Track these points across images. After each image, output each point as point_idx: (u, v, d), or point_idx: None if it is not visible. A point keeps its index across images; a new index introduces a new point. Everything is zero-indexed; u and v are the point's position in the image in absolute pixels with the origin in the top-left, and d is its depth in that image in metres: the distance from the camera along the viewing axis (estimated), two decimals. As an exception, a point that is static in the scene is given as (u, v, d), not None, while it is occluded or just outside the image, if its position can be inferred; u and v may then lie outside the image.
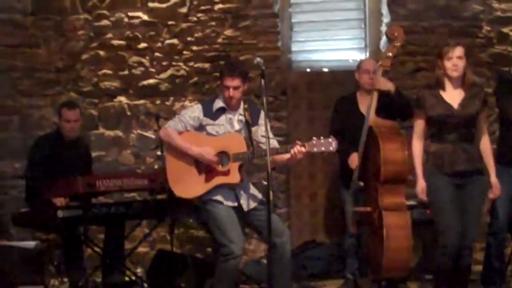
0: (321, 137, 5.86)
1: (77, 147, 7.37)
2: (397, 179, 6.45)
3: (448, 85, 6.05)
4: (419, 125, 6.13)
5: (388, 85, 6.68)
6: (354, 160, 6.80)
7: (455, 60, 5.97)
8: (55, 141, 7.27)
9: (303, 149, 5.79)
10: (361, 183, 6.75)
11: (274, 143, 6.02)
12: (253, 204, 6.10)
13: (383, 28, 8.24)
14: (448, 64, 5.99)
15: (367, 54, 8.40)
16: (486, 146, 6.09)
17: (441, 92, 6.04)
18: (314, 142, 5.84)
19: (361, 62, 7.21)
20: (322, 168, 8.17)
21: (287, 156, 5.90)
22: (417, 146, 6.11)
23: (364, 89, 6.99)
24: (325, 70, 8.39)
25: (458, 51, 5.99)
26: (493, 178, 6.06)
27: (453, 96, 6.02)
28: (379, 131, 6.54)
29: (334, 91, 7.84)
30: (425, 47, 8.17)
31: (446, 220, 5.93)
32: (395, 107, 6.69)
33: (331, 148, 5.83)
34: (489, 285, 6.61)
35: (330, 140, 5.83)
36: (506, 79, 6.35)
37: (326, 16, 8.51)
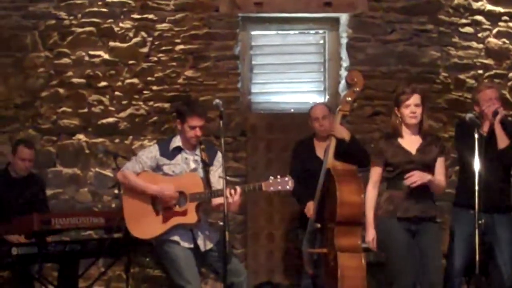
0: (278, 176, 5.86)
1: (28, 185, 7.31)
2: (353, 221, 6.48)
3: (405, 132, 6.09)
4: (376, 173, 6.14)
5: (343, 134, 6.71)
6: (310, 208, 6.84)
7: (412, 107, 6.02)
8: (3, 179, 7.23)
9: (232, 191, 5.76)
10: (318, 225, 6.78)
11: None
12: (209, 245, 6.09)
13: (342, 72, 8.33)
14: (406, 111, 6.04)
15: (326, 97, 8.48)
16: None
17: (399, 140, 6.09)
18: (271, 181, 5.84)
19: (310, 109, 7.20)
20: (280, 209, 8.18)
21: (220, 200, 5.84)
22: (372, 194, 6.12)
23: (319, 135, 7.05)
24: (286, 111, 8.44)
25: (415, 98, 6.03)
26: None
27: (411, 142, 6.06)
28: (336, 173, 6.59)
29: (293, 133, 7.87)
30: (383, 92, 8.29)
31: (398, 265, 5.95)
32: (351, 154, 6.74)
33: (287, 187, 5.83)
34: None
35: (286, 179, 5.83)
36: (465, 126, 6.42)
37: (286, 59, 8.59)
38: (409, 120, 6.04)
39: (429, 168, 6.01)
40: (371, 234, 6.06)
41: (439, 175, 6.07)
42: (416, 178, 5.87)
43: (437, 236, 6.07)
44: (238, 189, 5.81)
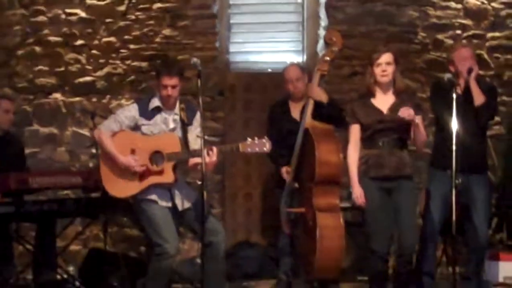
0: (255, 138, 5.86)
1: (8, 143, 7.26)
2: (331, 180, 6.49)
3: (378, 91, 6.14)
4: (353, 134, 6.19)
5: (322, 96, 6.70)
6: (284, 173, 6.85)
7: (383, 66, 6.07)
8: None
9: (210, 152, 5.76)
10: (296, 184, 6.79)
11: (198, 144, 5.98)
12: (187, 204, 6.08)
13: (321, 32, 8.30)
14: (377, 70, 6.09)
15: (305, 56, 8.46)
16: None
17: (372, 100, 6.13)
18: (248, 142, 5.85)
19: (283, 70, 7.16)
20: (257, 168, 8.19)
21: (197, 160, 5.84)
22: (352, 154, 6.16)
23: (294, 96, 7.02)
24: (264, 71, 8.42)
25: (387, 57, 6.09)
26: None
27: (383, 101, 6.11)
28: (314, 133, 6.58)
29: (271, 93, 7.89)
30: (361, 52, 8.22)
31: (374, 226, 6.03)
32: (328, 115, 6.73)
33: (264, 149, 5.85)
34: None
35: (264, 140, 5.84)
36: (440, 86, 6.43)
37: (265, 18, 8.55)
38: (380, 79, 6.09)
39: (402, 126, 6.02)
40: (357, 190, 6.10)
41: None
42: (403, 112, 5.88)
43: (412, 194, 6.12)
44: (215, 149, 5.81)
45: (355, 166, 6.13)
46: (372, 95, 6.14)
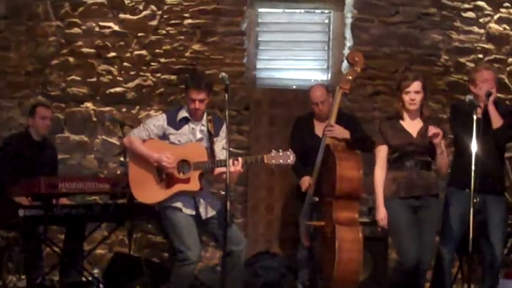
0: (280, 150, 5.88)
1: (44, 148, 7.38)
2: (351, 195, 6.52)
3: (406, 116, 6.10)
4: (381, 154, 6.11)
5: (344, 134, 6.78)
6: (304, 182, 6.90)
7: (412, 94, 6.02)
8: (24, 141, 7.29)
9: (235, 161, 5.77)
10: (316, 198, 6.83)
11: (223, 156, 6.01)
12: (211, 213, 6.10)
13: (346, 51, 8.34)
14: (406, 97, 6.05)
15: (329, 75, 8.50)
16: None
17: (401, 122, 6.10)
18: (273, 154, 5.86)
19: (309, 91, 7.19)
20: (280, 181, 8.21)
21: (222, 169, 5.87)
22: (379, 175, 6.07)
23: (319, 116, 7.08)
24: (289, 87, 8.48)
25: (416, 85, 6.04)
26: None
27: (412, 125, 6.08)
28: (335, 149, 6.64)
29: (295, 109, 7.90)
30: (384, 72, 8.32)
31: (404, 243, 5.96)
32: (354, 142, 6.83)
33: (289, 161, 5.85)
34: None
35: (288, 153, 5.85)
36: (460, 108, 6.45)
37: (292, 36, 8.61)
38: (409, 106, 6.05)
39: (428, 151, 6.01)
40: (382, 212, 6.02)
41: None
42: (434, 132, 5.88)
43: (436, 212, 6.08)
44: (240, 159, 5.83)
45: (381, 187, 6.05)
46: (401, 117, 6.10)
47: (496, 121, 6.35)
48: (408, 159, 6.01)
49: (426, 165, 6.09)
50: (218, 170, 5.92)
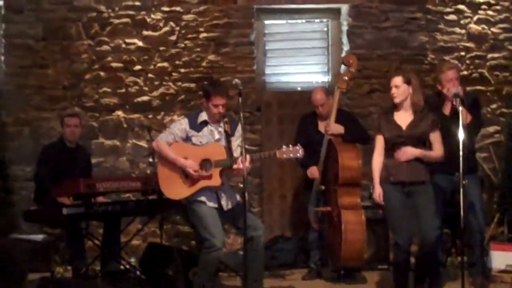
0: (290, 146, 5.91)
1: (77, 154, 7.42)
2: (353, 182, 6.58)
3: (400, 109, 6.00)
4: (378, 143, 6.04)
5: (339, 130, 6.81)
6: (312, 172, 6.92)
7: (393, 89, 5.96)
8: (58, 148, 7.32)
9: (244, 158, 5.69)
10: (322, 187, 6.86)
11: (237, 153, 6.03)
12: (231, 204, 6.15)
13: (343, 55, 8.33)
14: (390, 92, 6.01)
15: (329, 77, 8.51)
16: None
17: (395, 114, 6.01)
18: (283, 149, 5.89)
19: (311, 93, 7.17)
20: (291, 173, 8.21)
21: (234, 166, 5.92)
22: (376, 160, 6.00)
23: (320, 116, 7.10)
24: (295, 89, 8.49)
25: (395, 80, 5.97)
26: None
27: (403, 118, 5.98)
28: (337, 142, 6.69)
29: (301, 108, 7.88)
30: (378, 72, 8.33)
31: (396, 222, 5.91)
32: (352, 135, 6.87)
33: (298, 154, 5.88)
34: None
35: (297, 148, 5.89)
36: (429, 102, 6.36)
37: (295, 44, 8.61)
38: (393, 100, 5.98)
39: (419, 140, 5.92)
40: (377, 190, 5.95)
41: (436, 147, 5.95)
42: (400, 156, 5.84)
43: (428, 196, 5.93)
44: (248, 156, 5.79)
45: (378, 169, 5.98)
46: (396, 109, 6.01)
47: (465, 118, 6.28)
48: (399, 148, 5.89)
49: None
50: (236, 166, 5.94)
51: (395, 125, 5.97)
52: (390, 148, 5.97)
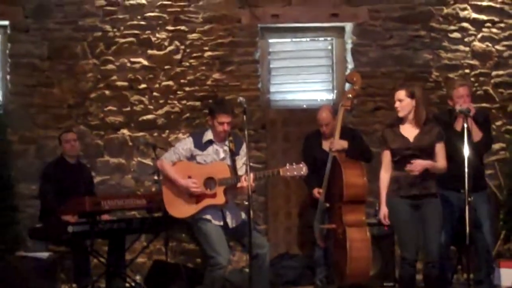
0: (294, 163, 5.92)
1: (79, 170, 7.44)
2: (358, 200, 6.58)
3: (406, 122, 6.00)
4: (385, 158, 6.03)
5: (343, 145, 6.83)
6: (316, 192, 6.93)
7: (396, 102, 5.98)
8: (60, 165, 7.35)
9: (248, 177, 5.71)
10: (327, 204, 6.86)
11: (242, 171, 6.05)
12: (236, 222, 6.15)
13: (347, 73, 8.34)
14: (394, 106, 6.03)
15: (334, 95, 8.52)
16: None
17: (400, 127, 6.01)
18: (287, 167, 5.90)
19: (317, 112, 7.18)
20: (296, 191, 8.20)
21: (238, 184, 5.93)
22: (384, 178, 5.99)
23: (324, 135, 7.12)
24: (300, 107, 8.50)
25: (397, 94, 5.98)
26: None
27: (409, 130, 5.98)
28: (341, 160, 6.69)
29: (306, 126, 7.88)
30: (383, 90, 8.33)
31: (404, 236, 5.92)
32: (356, 152, 6.88)
33: (302, 172, 5.89)
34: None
35: (301, 165, 5.89)
36: (439, 118, 6.40)
37: (300, 62, 8.63)
38: (398, 113, 6.00)
39: (426, 152, 5.90)
40: (382, 211, 5.95)
41: (440, 158, 5.93)
42: (414, 168, 5.81)
43: (437, 209, 5.92)
44: (252, 175, 5.81)
45: (385, 188, 5.96)
46: (401, 122, 6.00)
47: (476, 135, 6.32)
48: (407, 161, 5.86)
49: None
50: (240, 184, 5.95)
51: (402, 137, 5.97)
52: (398, 160, 5.93)
